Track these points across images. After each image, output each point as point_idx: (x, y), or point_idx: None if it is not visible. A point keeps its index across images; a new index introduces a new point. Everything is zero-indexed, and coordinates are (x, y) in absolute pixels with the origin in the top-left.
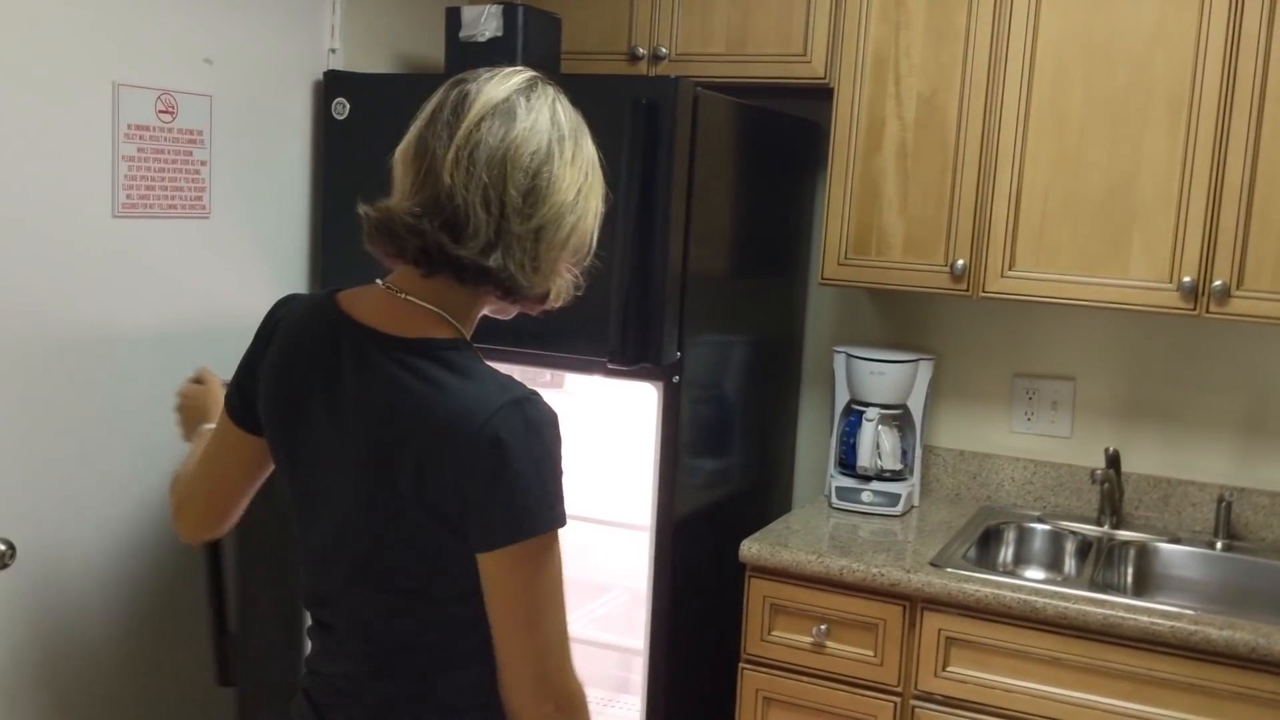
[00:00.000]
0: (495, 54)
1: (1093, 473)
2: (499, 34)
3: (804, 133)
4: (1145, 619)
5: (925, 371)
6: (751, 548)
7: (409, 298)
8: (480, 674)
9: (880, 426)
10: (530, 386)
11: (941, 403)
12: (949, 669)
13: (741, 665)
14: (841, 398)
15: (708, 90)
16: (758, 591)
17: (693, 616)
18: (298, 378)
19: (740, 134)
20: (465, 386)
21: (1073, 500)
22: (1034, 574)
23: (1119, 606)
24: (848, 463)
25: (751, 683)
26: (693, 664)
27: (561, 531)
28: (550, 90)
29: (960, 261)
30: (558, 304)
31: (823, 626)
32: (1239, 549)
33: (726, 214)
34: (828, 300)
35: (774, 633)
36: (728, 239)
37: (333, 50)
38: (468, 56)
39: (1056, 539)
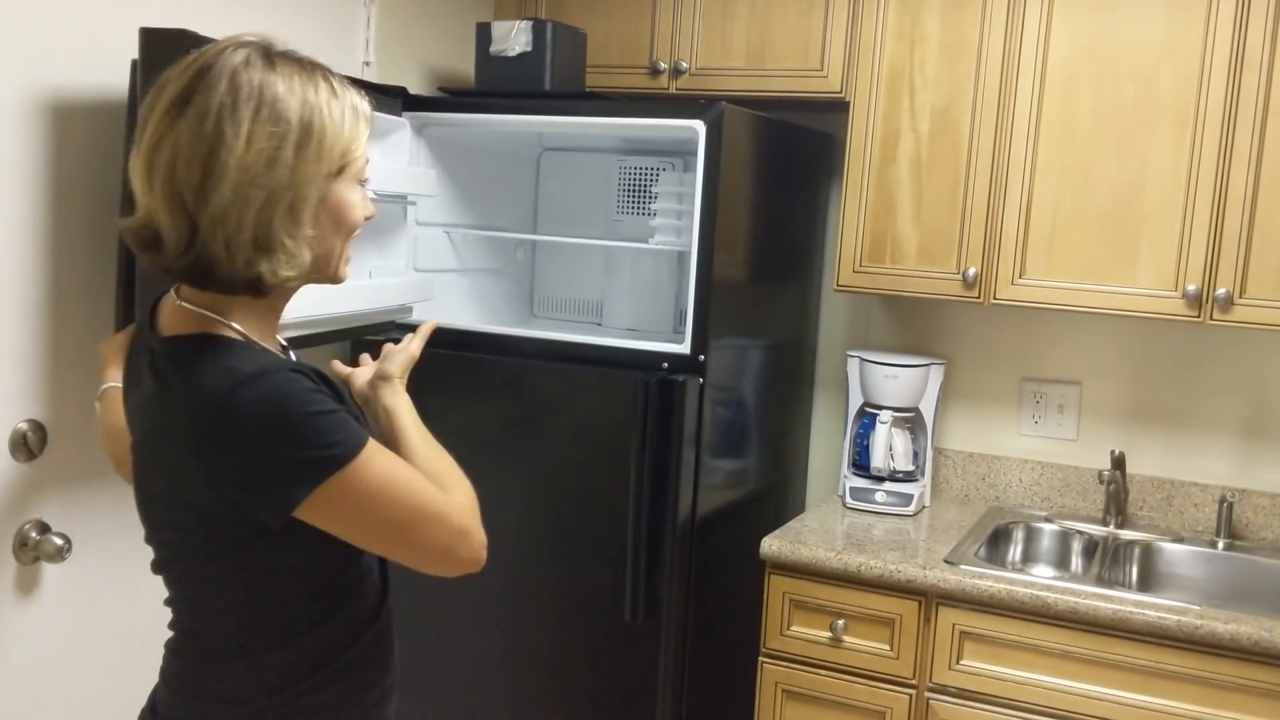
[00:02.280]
0: (525, 68)
1: (1100, 474)
2: (529, 49)
3: (819, 144)
4: (1153, 614)
5: (936, 376)
6: (772, 545)
7: (181, 302)
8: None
9: (893, 429)
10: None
11: (951, 406)
12: (963, 662)
13: (761, 659)
14: (855, 401)
15: (731, 105)
16: (777, 587)
17: (713, 612)
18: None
19: (759, 145)
20: (178, 381)
21: (1078, 501)
22: (1042, 572)
23: (1127, 602)
24: (861, 464)
25: (771, 676)
26: (713, 658)
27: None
28: (240, 56)
29: (972, 269)
30: (343, 271)
31: (840, 621)
32: (1240, 548)
33: (746, 222)
34: (840, 306)
35: (793, 627)
36: (747, 246)
37: (367, 63)
38: (498, 71)
39: (1064, 538)
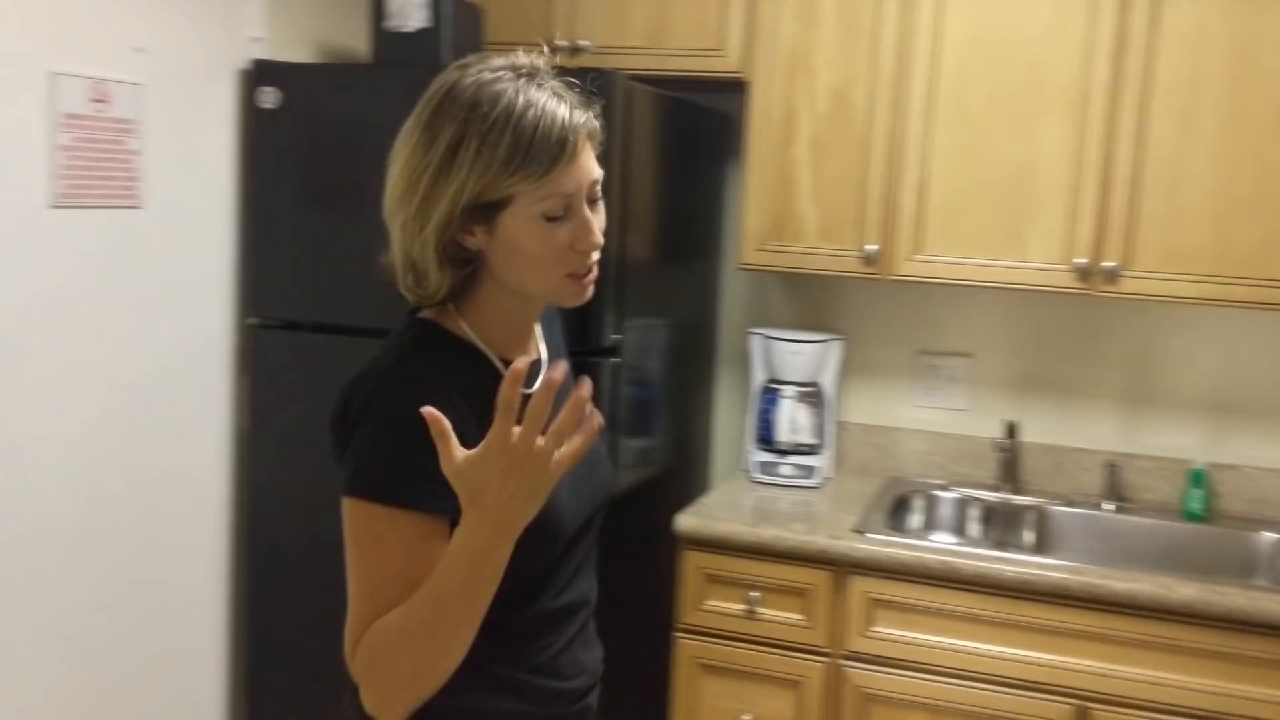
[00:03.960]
0: (423, 44)
1: (996, 442)
2: (427, 24)
3: (718, 124)
4: (1056, 575)
5: (836, 351)
6: (686, 522)
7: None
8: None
9: (796, 403)
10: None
11: (851, 380)
12: (874, 629)
13: (676, 634)
14: (758, 377)
15: (631, 81)
16: (692, 563)
17: (627, 589)
18: None
19: (661, 125)
20: (374, 354)
21: (973, 469)
22: (942, 538)
23: (1031, 565)
24: (766, 438)
25: (687, 651)
26: (628, 636)
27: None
28: (451, 76)
29: (871, 247)
30: (565, 296)
31: (755, 594)
32: (1126, 509)
33: (651, 202)
34: (741, 284)
35: (708, 602)
36: (652, 226)
37: (256, 39)
38: (394, 46)
39: (961, 505)
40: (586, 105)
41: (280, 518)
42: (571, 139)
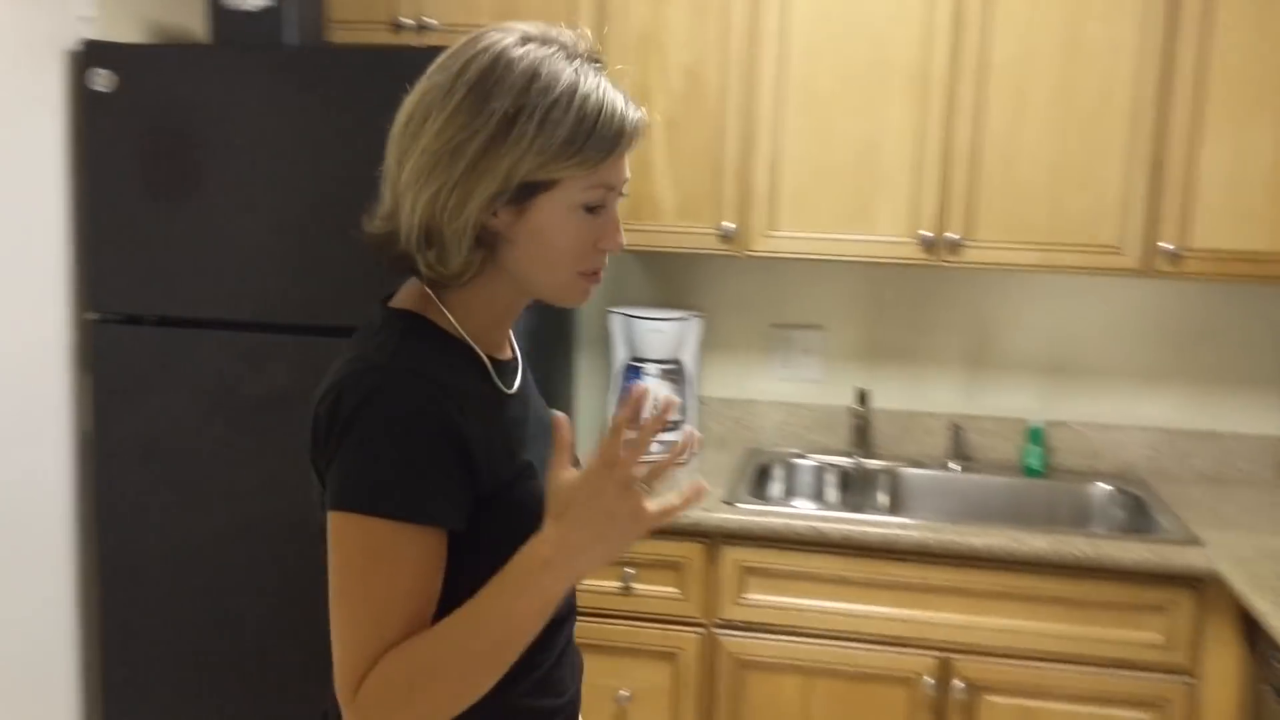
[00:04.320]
0: (264, 23)
1: (850, 410)
2: (269, 2)
3: None
4: (916, 534)
5: (695, 327)
6: None
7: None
8: None
9: (659, 380)
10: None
11: (709, 355)
12: (746, 596)
13: None
14: (620, 356)
15: None
16: None
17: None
18: None
19: None
20: (351, 347)
21: (827, 436)
22: (803, 504)
23: (893, 525)
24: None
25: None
26: None
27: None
28: (495, 38)
29: (729, 224)
30: (566, 296)
31: (630, 570)
32: (970, 469)
33: None
34: None
35: (585, 581)
36: None
37: (85, 18)
38: (234, 26)
39: (819, 472)
40: (636, 103)
41: (131, 523)
42: (629, 130)
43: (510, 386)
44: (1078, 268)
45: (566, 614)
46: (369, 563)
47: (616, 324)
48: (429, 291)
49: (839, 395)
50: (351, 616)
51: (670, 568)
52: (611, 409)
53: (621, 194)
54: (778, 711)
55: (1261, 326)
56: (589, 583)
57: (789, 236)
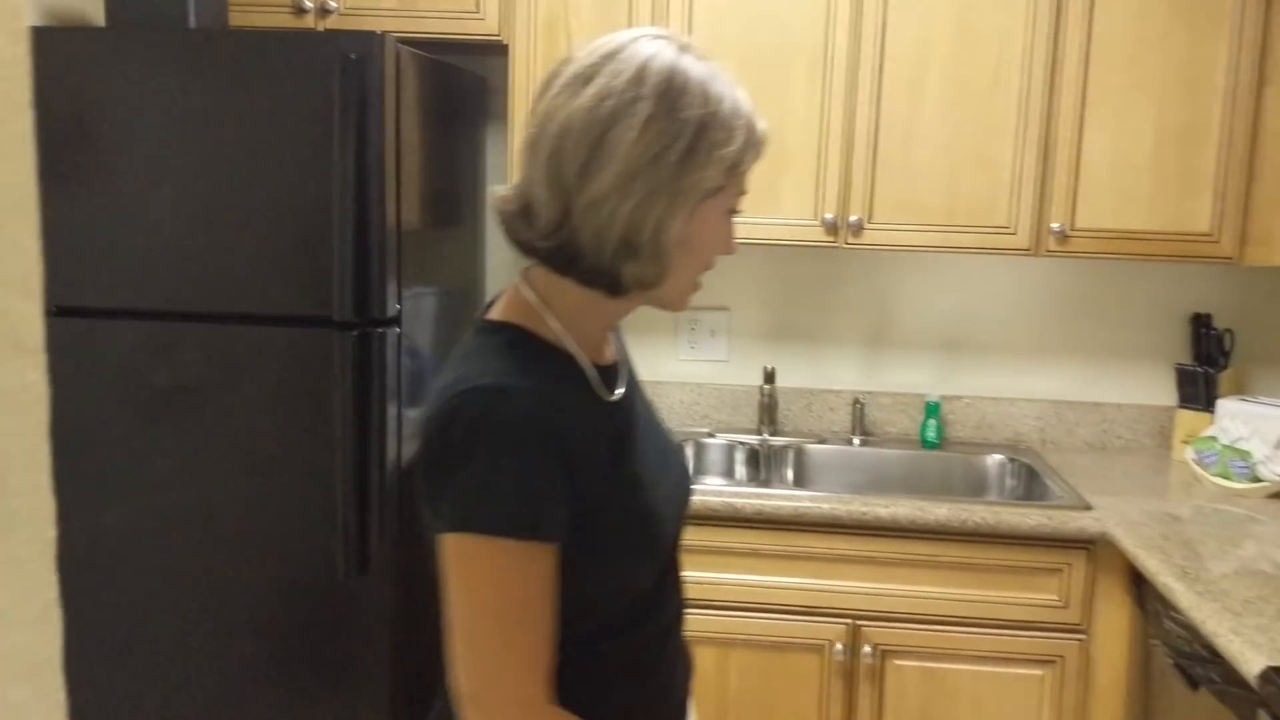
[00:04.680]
0: (162, 7)
1: (759, 389)
2: None
3: (474, 87)
4: (826, 505)
5: None
6: None
7: (521, 284)
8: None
9: None
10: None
11: None
12: None
13: None
14: None
15: (394, 40)
16: None
17: (423, 562)
18: None
19: (424, 89)
20: (452, 368)
21: (734, 415)
22: (714, 481)
23: (804, 498)
24: None
25: None
26: (427, 605)
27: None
28: (655, 47)
29: None
30: (680, 302)
31: None
32: (871, 443)
33: (418, 168)
34: (505, 249)
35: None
36: (422, 193)
37: None
38: (131, 9)
39: (728, 450)
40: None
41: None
42: (761, 137)
43: (614, 393)
44: (972, 248)
45: (677, 617)
46: (497, 583)
47: None
48: (532, 301)
49: (745, 375)
50: (483, 639)
51: None
52: None
53: None
54: (697, 683)
55: (1142, 302)
56: None
57: None
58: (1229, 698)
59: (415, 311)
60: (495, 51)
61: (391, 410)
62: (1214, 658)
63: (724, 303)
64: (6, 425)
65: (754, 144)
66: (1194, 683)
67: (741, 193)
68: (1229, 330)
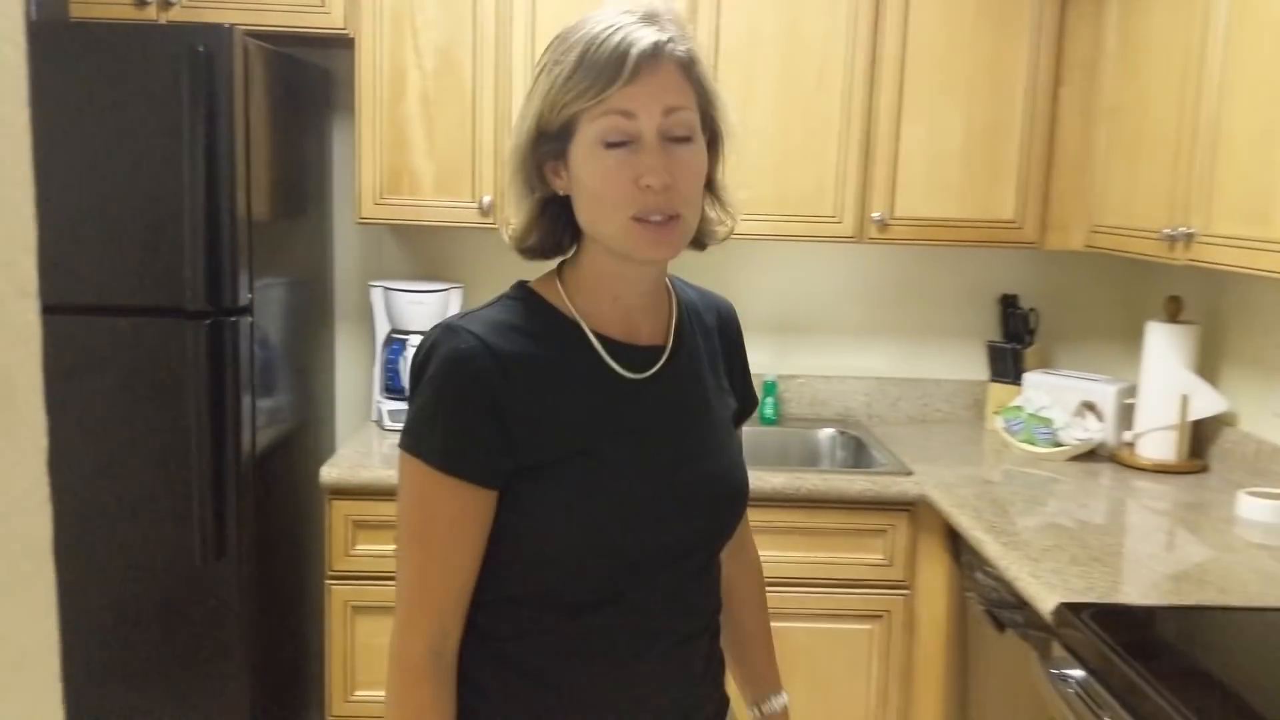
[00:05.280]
0: None
1: None
2: None
3: (319, 79)
4: None
5: (456, 299)
6: (331, 473)
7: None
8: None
9: None
10: (468, 318)
11: None
12: None
13: (328, 581)
14: (382, 328)
15: (242, 33)
16: (339, 512)
17: (274, 543)
18: None
19: (272, 81)
20: None
21: None
22: None
23: None
24: (394, 387)
25: (339, 596)
26: (283, 588)
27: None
28: (585, 21)
29: (487, 198)
30: (632, 247)
31: None
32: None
33: (267, 160)
34: (353, 239)
35: (358, 547)
36: (270, 184)
37: None
38: None
39: None
40: (676, 32)
41: None
42: (634, 54)
43: (635, 370)
44: (802, 236)
45: (635, 637)
46: (416, 502)
47: (377, 297)
48: (556, 271)
49: None
50: (404, 556)
51: None
52: (376, 380)
53: (671, 131)
54: None
55: (955, 285)
56: (362, 547)
57: None
58: (1030, 636)
59: (265, 301)
60: (340, 44)
61: (245, 397)
62: (1019, 604)
63: None
64: (14, 353)
65: (595, 63)
66: (1001, 625)
67: (616, 114)
68: (1034, 310)
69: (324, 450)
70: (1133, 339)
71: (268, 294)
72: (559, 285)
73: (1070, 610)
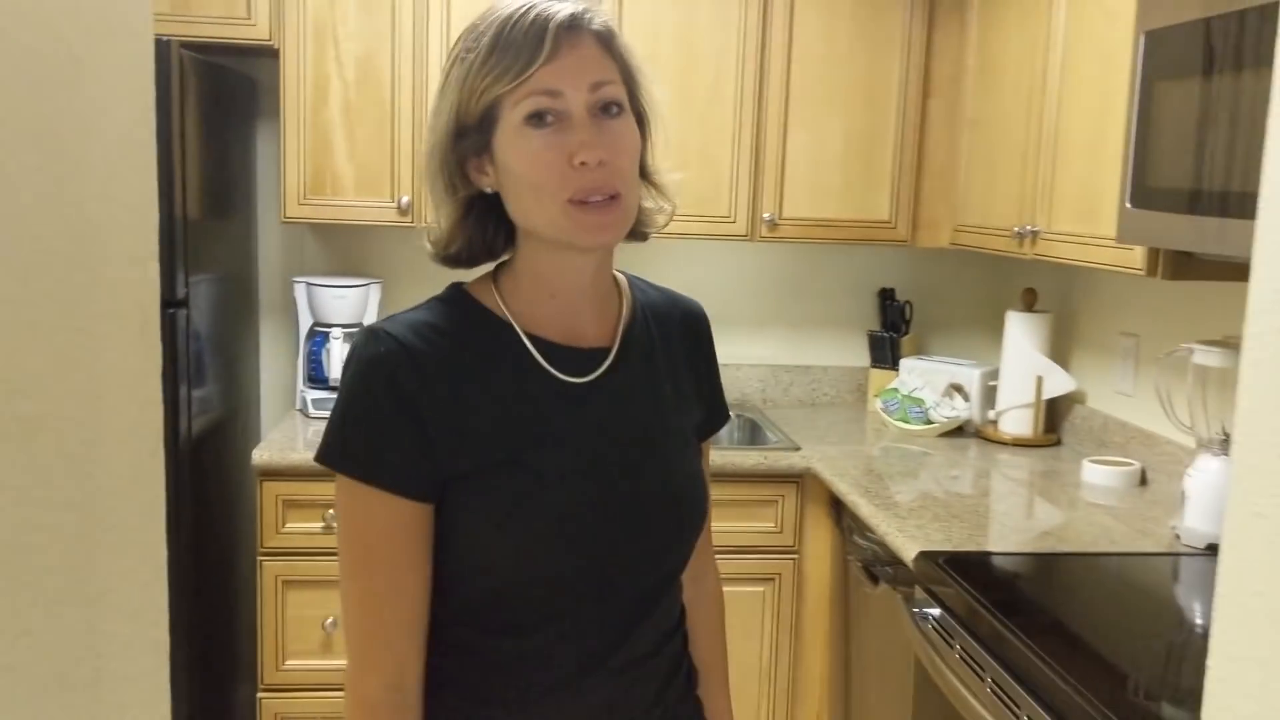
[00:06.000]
0: None
1: None
2: None
3: (244, 87)
4: None
5: (376, 293)
6: (262, 456)
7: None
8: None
9: (344, 344)
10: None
11: None
12: None
13: (260, 559)
14: (305, 322)
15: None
16: (270, 492)
17: (208, 526)
18: None
19: (202, 90)
20: None
21: None
22: None
23: None
24: (318, 377)
25: (271, 571)
26: (217, 570)
27: (357, 487)
28: (495, 7)
29: (405, 198)
30: (570, 234)
31: (331, 511)
32: None
33: (198, 163)
34: (275, 237)
35: (288, 525)
36: (201, 186)
37: None
38: None
39: None
40: (592, 4)
41: None
42: (552, 27)
43: (575, 374)
44: (700, 235)
45: (582, 666)
46: (345, 522)
47: (300, 292)
48: (486, 275)
49: None
50: (346, 590)
51: None
52: (300, 370)
53: (601, 105)
54: None
55: (839, 279)
56: (293, 525)
57: None
58: (900, 588)
59: (196, 297)
60: (265, 54)
61: (182, 387)
62: (891, 561)
63: None
64: (143, 294)
65: (511, 42)
66: (875, 579)
67: (540, 94)
68: (908, 302)
69: (251, 437)
70: (994, 327)
71: (199, 289)
72: (493, 286)
73: (928, 557)
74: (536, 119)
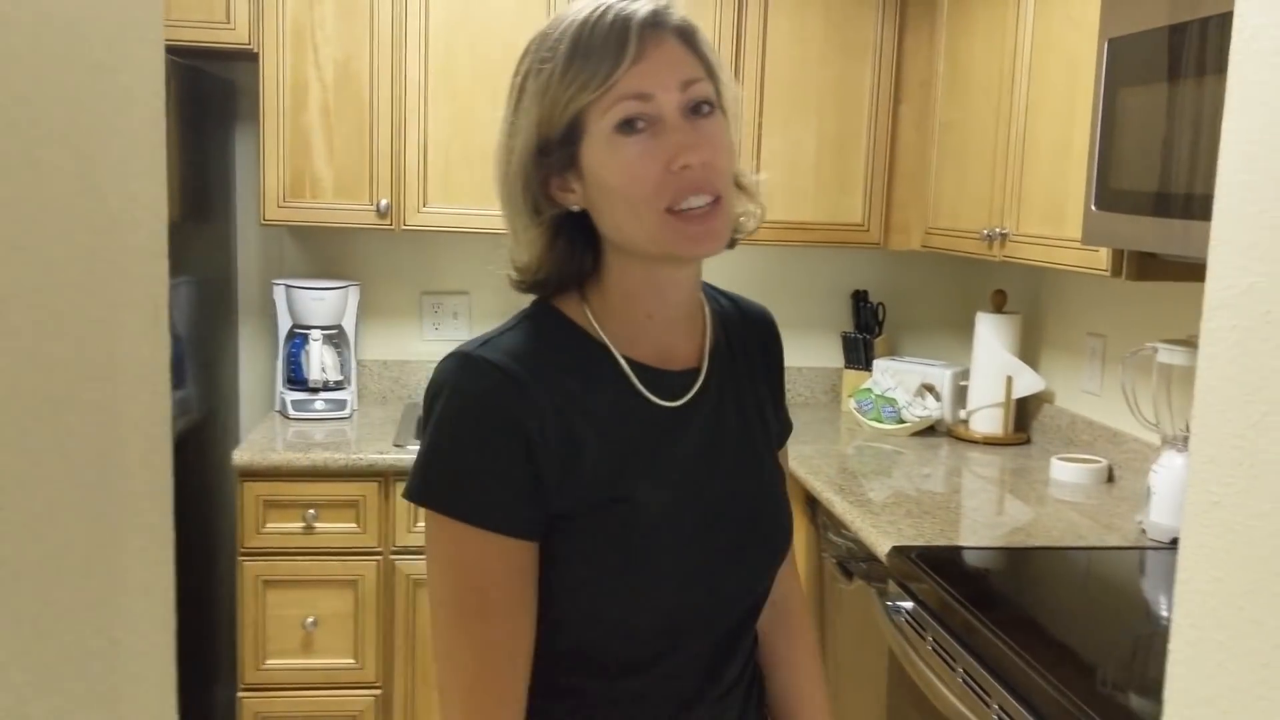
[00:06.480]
0: None
1: None
2: None
3: (223, 91)
4: None
5: (354, 296)
6: (242, 456)
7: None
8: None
9: (323, 345)
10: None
11: (367, 321)
12: (419, 525)
13: (240, 558)
14: (284, 324)
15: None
16: (250, 493)
17: (189, 527)
18: None
19: (181, 93)
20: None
21: None
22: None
23: None
24: (297, 379)
25: (251, 571)
26: (199, 570)
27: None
28: (566, 13)
29: (384, 201)
30: (672, 246)
31: (311, 511)
32: None
33: (176, 167)
34: (254, 240)
35: (268, 525)
36: (179, 189)
37: None
38: None
39: None
40: (669, 1)
41: None
42: (635, 28)
43: (669, 399)
44: None
45: (688, 702)
46: (455, 569)
47: (279, 294)
48: (579, 290)
49: None
50: (452, 638)
51: (349, 505)
52: (279, 373)
53: (694, 105)
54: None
55: (813, 282)
56: (273, 525)
57: (439, 212)
58: (873, 581)
59: (176, 299)
60: (244, 58)
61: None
62: (865, 557)
63: (464, 287)
64: (154, 287)
65: (591, 48)
66: (850, 575)
67: (630, 98)
68: (881, 303)
69: (230, 438)
70: (965, 328)
71: (177, 292)
72: (584, 305)
73: (901, 553)
74: (627, 126)
